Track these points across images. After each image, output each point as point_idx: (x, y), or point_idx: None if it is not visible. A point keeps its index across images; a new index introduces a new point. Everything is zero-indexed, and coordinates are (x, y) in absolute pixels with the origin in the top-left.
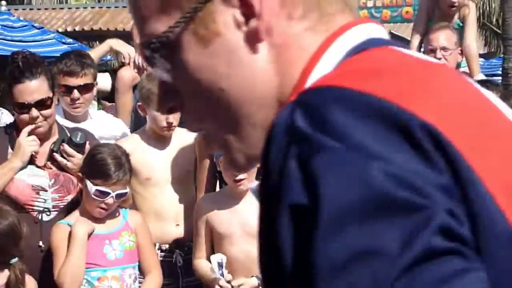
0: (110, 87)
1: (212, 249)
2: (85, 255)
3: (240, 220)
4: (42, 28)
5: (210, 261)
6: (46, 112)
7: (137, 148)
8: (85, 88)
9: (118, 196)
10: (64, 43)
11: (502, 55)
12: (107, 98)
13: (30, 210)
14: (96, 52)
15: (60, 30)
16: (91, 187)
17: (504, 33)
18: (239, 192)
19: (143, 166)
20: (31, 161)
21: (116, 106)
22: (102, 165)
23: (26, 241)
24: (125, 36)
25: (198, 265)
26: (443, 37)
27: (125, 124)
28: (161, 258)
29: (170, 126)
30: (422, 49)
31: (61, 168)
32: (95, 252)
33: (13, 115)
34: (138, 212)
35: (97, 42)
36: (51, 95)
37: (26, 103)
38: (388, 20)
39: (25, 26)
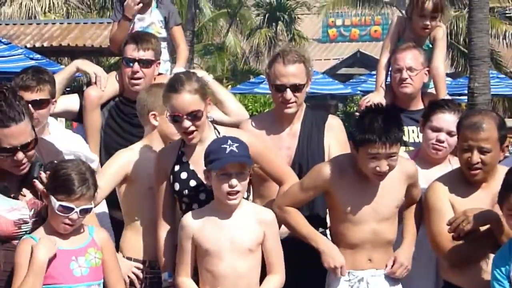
0: (78, 107)
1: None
2: (50, 272)
3: (228, 236)
4: (10, 44)
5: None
6: (30, 153)
7: (136, 157)
8: (40, 104)
9: (83, 211)
10: (32, 58)
11: (468, 75)
12: (77, 119)
13: (12, 241)
14: (63, 74)
15: (28, 45)
16: (55, 203)
17: (470, 53)
18: (228, 207)
19: (148, 175)
20: (7, 193)
21: (84, 125)
22: (65, 180)
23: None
24: (93, 52)
25: (183, 284)
26: (409, 57)
27: (95, 142)
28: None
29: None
30: (390, 68)
31: (35, 192)
32: (61, 268)
33: None
34: (104, 230)
35: (66, 58)
36: (34, 136)
37: (11, 147)
38: (356, 39)
39: None
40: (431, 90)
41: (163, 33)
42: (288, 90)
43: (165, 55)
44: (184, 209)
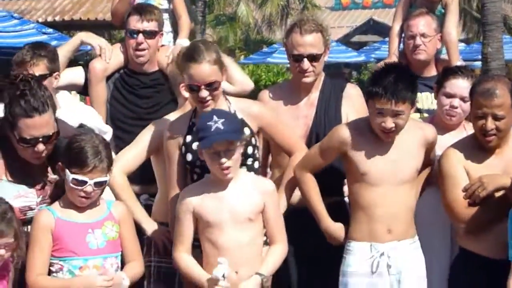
0: (83, 80)
1: (197, 241)
2: (66, 244)
3: (228, 207)
4: (22, 18)
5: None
6: (50, 145)
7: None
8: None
9: (97, 184)
10: (44, 33)
11: (482, 40)
12: (83, 92)
13: None
14: (67, 47)
15: (40, 20)
16: (69, 176)
17: (483, 19)
18: (224, 180)
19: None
20: (24, 183)
21: (90, 98)
22: (78, 153)
23: None
24: (105, 26)
25: (181, 259)
26: (422, 23)
27: (101, 115)
28: None
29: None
30: (402, 35)
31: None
32: (77, 241)
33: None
34: (122, 203)
35: (77, 32)
36: (56, 129)
37: (33, 138)
38: (369, 6)
39: (4, 16)
40: (444, 56)
41: (165, 5)
42: (305, 60)
43: (167, 26)
44: (195, 179)
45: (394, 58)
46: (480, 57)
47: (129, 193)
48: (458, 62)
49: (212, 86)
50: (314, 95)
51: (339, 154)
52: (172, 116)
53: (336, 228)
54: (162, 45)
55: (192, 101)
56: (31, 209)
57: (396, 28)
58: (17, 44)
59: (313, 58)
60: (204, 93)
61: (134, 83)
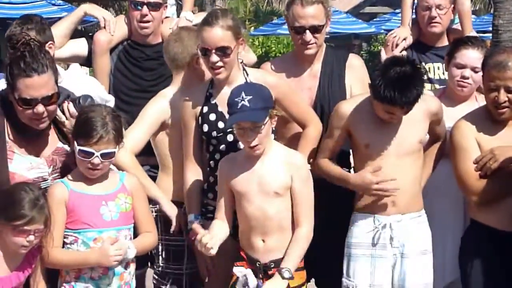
0: (87, 52)
1: (234, 211)
2: (81, 216)
3: (256, 179)
4: None
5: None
6: (51, 107)
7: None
8: None
9: (104, 155)
10: (54, 4)
11: (492, 12)
12: (86, 63)
13: None
14: (71, 18)
15: None
16: (76, 148)
17: None
18: (254, 155)
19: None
20: (33, 153)
21: (94, 69)
22: (84, 124)
23: None
24: None
25: (212, 223)
26: None
27: (105, 87)
28: None
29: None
30: (414, 4)
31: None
32: (91, 212)
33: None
34: (135, 175)
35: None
36: (57, 90)
37: (32, 98)
38: None
39: None
40: (456, 25)
41: None
42: (307, 31)
43: None
44: (211, 150)
45: (407, 27)
46: (490, 28)
47: (141, 172)
48: (471, 33)
49: (223, 52)
50: (317, 66)
51: (347, 132)
52: (169, 90)
53: (362, 177)
54: (166, 17)
55: (206, 67)
56: (44, 179)
57: None
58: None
59: (315, 29)
60: (215, 57)
61: (138, 55)
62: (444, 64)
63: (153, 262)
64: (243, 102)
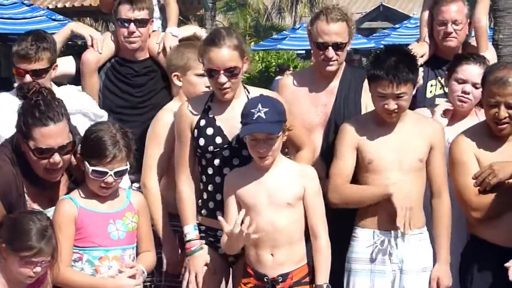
0: (74, 70)
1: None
2: (89, 234)
3: (266, 191)
4: (32, 5)
5: None
6: (66, 157)
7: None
8: (39, 73)
9: (118, 174)
10: (54, 20)
11: (492, 27)
12: (73, 82)
13: None
14: (58, 37)
15: (50, 6)
16: (88, 168)
17: (494, 5)
18: (264, 166)
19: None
20: (45, 205)
21: (83, 89)
22: (95, 145)
23: None
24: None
25: (223, 238)
26: (455, 10)
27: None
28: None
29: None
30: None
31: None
32: (99, 231)
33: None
34: (140, 193)
35: (88, 18)
36: (71, 138)
37: (48, 148)
38: None
39: (15, 3)
40: (472, 39)
41: None
42: (330, 48)
43: (156, 12)
44: (204, 164)
45: (425, 44)
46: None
47: (159, 204)
48: (487, 51)
49: (231, 72)
50: (334, 83)
51: (356, 150)
52: (172, 106)
53: (381, 190)
54: (153, 31)
55: (212, 87)
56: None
57: (426, 14)
58: (28, 31)
59: (338, 47)
60: (223, 78)
61: (126, 72)
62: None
63: None
64: (259, 113)
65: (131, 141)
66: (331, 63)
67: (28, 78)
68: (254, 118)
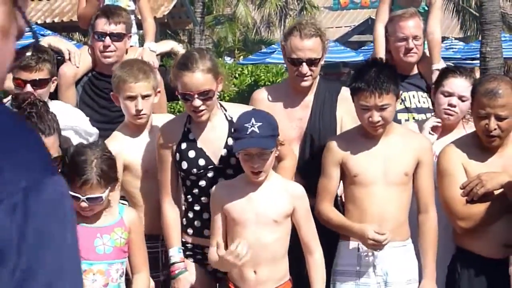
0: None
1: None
2: None
3: (254, 207)
4: None
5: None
6: None
7: (123, 145)
8: (39, 83)
9: (90, 200)
10: (43, 35)
11: (480, 40)
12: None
13: None
14: None
15: (39, 21)
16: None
17: (481, 18)
18: (256, 181)
19: (136, 160)
20: None
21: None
22: (70, 168)
23: None
24: None
25: (211, 253)
26: (414, 25)
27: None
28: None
29: (138, 113)
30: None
31: None
32: (84, 244)
33: None
34: (134, 209)
35: (77, 33)
36: (60, 153)
37: None
38: (368, 5)
39: None
40: (425, 51)
41: (132, 6)
42: (304, 64)
43: (133, 28)
44: (188, 185)
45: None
46: (478, 55)
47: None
48: (439, 63)
49: (205, 95)
50: (309, 97)
51: (341, 167)
52: (120, 132)
53: (364, 230)
54: (131, 46)
55: (187, 110)
56: None
57: (381, 28)
58: (16, 46)
59: (312, 62)
60: (197, 102)
61: (103, 86)
62: (418, 92)
63: None
64: (253, 128)
65: (112, 169)
66: (305, 78)
67: (28, 87)
68: (247, 133)
